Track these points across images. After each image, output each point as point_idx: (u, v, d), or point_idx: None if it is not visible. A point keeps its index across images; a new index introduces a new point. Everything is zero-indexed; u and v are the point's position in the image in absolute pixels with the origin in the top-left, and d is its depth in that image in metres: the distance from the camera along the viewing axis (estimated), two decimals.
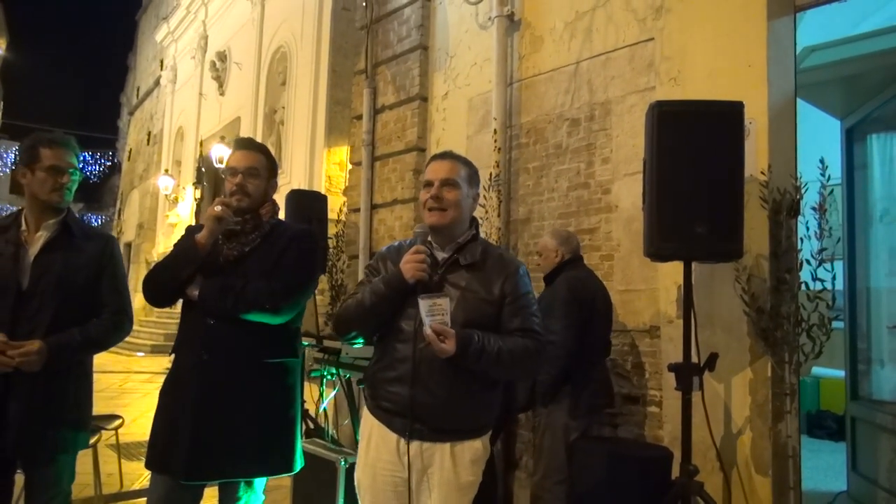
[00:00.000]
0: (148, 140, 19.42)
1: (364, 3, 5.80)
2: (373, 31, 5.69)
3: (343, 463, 2.98)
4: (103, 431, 3.82)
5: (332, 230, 5.62)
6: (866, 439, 4.00)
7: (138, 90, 21.94)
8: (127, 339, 2.48)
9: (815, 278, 2.89)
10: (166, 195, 16.31)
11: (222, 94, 14.02)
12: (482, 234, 2.15)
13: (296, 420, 2.31)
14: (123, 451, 4.54)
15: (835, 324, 2.96)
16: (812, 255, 2.90)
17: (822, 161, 2.91)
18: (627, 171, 3.73)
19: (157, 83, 18.92)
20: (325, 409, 4.37)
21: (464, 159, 2.07)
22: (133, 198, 20.39)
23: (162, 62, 18.27)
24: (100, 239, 2.42)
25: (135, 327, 2.56)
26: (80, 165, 2.37)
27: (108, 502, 3.87)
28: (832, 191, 3.09)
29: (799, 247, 3.02)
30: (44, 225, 2.29)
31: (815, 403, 6.29)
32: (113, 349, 2.54)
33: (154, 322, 13.36)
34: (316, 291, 3.30)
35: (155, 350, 11.95)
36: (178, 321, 2.34)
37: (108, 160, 28.91)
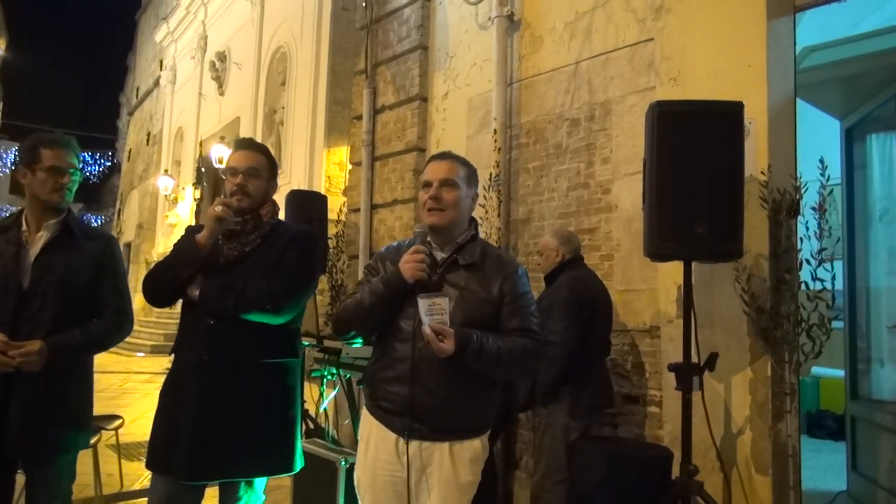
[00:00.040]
0: (147, 140, 19.42)
1: (364, 4, 5.80)
2: (373, 32, 5.69)
3: (343, 463, 2.98)
4: (103, 432, 3.82)
5: (332, 230, 5.62)
6: (866, 439, 4.00)
7: (138, 90, 21.94)
8: (127, 339, 2.49)
9: (814, 278, 2.89)
10: (166, 195, 16.31)
11: (222, 94, 14.01)
12: (482, 235, 2.16)
13: (296, 420, 2.31)
14: (123, 451, 4.54)
15: (834, 323, 2.96)
16: (812, 255, 2.90)
17: (821, 161, 2.91)
18: (627, 171, 3.74)
19: (156, 83, 18.91)
20: (325, 409, 4.37)
21: (462, 159, 2.08)
22: (133, 198, 20.39)
23: (161, 62, 18.26)
24: (100, 239, 2.43)
25: (135, 327, 2.56)
26: (80, 166, 2.37)
27: (108, 502, 3.87)
28: (832, 191, 3.10)
29: (799, 246, 3.02)
30: (44, 225, 2.29)
31: (815, 403, 6.30)
32: (113, 349, 2.54)
33: (154, 322, 13.36)
34: (316, 292, 3.30)
35: (155, 350, 11.94)
36: (177, 321, 2.34)
37: (108, 160, 28.91)
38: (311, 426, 4.30)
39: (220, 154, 11.48)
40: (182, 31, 16.64)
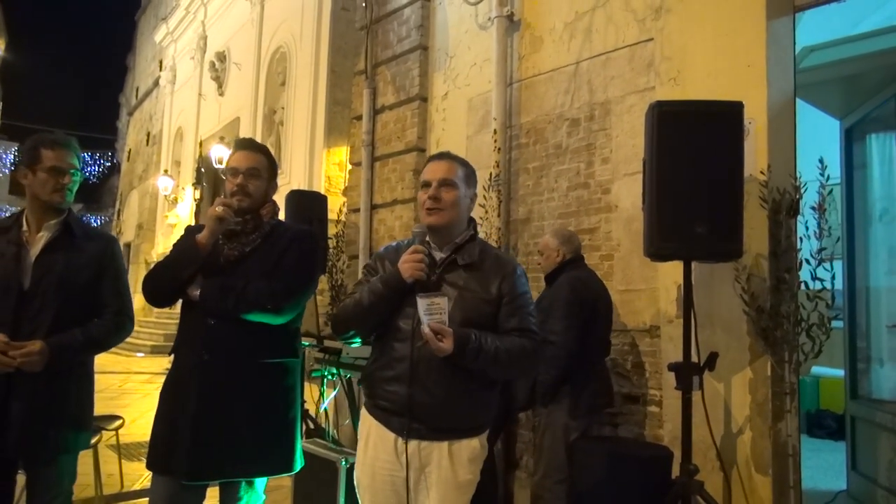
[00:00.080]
0: (147, 140, 19.41)
1: (364, 4, 5.80)
2: (372, 32, 5.70)
3: (344, 463, 2.99)
4: (104, 432, 3.83)
5: (332, 230, 5.63)
6: (866, 438, 4.01)
7: (137, 91, 21.94)
8: (127, 339, 2.49)
9: (814, 278, 2.90)
10: (165, 196, 16.31)
11: (221, 94, 14.01)
12: (482, 235, 2.16)
13: (296, 420, 2.31)
14: (124, 451, 4.54)
15: (834, 323, 2.96)
16: (811, 255, 2.90)
17: (821, 161, 2.91)
18: (627, 171, 3.74)
19: (156, 84, 18.91)
20: (325, 409, 4.38)
21: (461, 160, 2.08)
22: (132, 198, 20.39)
23: (161, 63, 18.26)
24: (101, 239, 2.43)
25: (135, 328, 2.56)
26: (81, 166, 2.38)
27: (108, 502, 3.87)
28: (831, 190, 3.10)
29: (798, 246, 3.02)
30: (45, 225, 2.29)
31: (815, 403, 6.30)
32: (113, 350, 2.54)
33: (154, 322, 13.36)
34: (316, 292, 3.30)
35: (154, 350, 11.95)
36: (177, 322, 2.34)
37: (108, 161, 28.88)
38: (312, 426, 4.30)
39: (220, 154, 11.49)
40: (182, 31, 16.64)
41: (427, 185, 2.00)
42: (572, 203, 4.05)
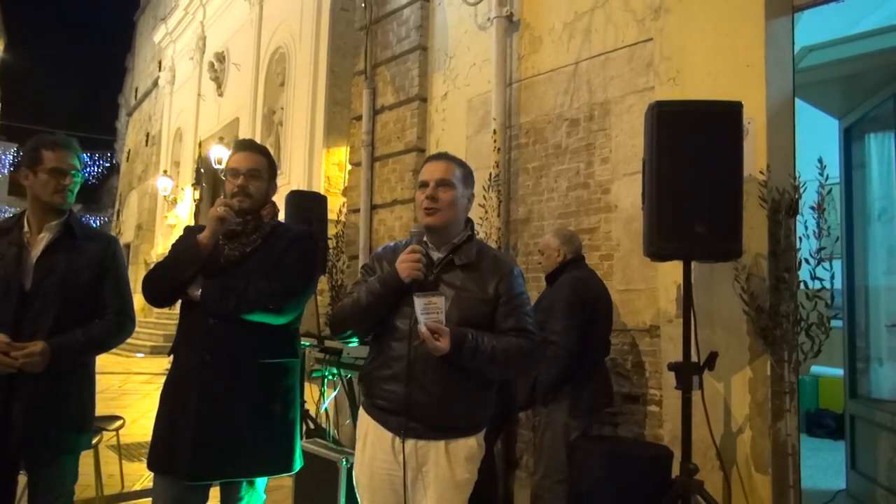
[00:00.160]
0: (146, 141, 19.41)
1: (363, 4, 5.80)
2: (372, 32, 5.70)
3: (345, 463, 2.99)
4: (104, 432, 3.83)
5: (331, 231, 5.63)
6: (865, 438, 4.01)
7: (136, 91, 21.92)
8: (127, 340, 2.49)
9: (813, 277, 2.90)
10: (165, 196, 16.30)
11: (221, 94, 14.01)
12: (482, 235, 2.17)
13: (296, 420, 2.32)
14: (124, 451, 4.55)
15: (833, 322, 2.97)
16: (811, 254, 2.91)
17: (820, 160, 2.92)
18: (627, 171, 3.74)
19: (155, 84, 18.91)
20: (326, 410, 4.38)
21: (459, 160, 2.10)
22: (132, 199, 20.38)
23: (160, 63, 18.26)
24: (102, 240, 2.43)
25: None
26: (82, 167, 2.38)
27: (109, 503, 3.88)
28: (830, 190, 3.10)
29: (798, 246, 3.03)
30: (46, 226, 2.29)
31: (815, 402, 6.31)
32: (113, 350, 2.55)
33: (153, 323, 13.35)
34: (316, 292, 3.31)
35: (154, 351, 11.94)
36: (177, 322, 2.34)
37: (107, 161, 28.87)
38: (312, 426, 4.31)
39: (220, 155, 11.49)
40: (180, 31, 16.63)
41: (424, 185, 2.01)
42: (572, 203, 4.06)
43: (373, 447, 1.98)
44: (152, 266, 2.38)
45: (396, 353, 1.94)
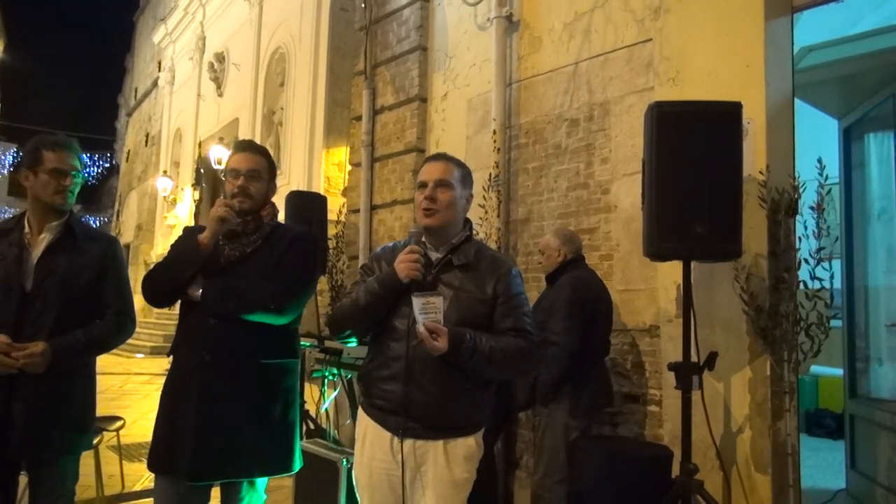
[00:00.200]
0: (146, 141, 19.41)
1: (363, 4, 5.80)
2: (372, 32, 5.70)
3: (345, 463, 2.99)
4: (105, 433, 3.83)
5: (331, 231, 5.63)
6: (865, 437, 4.02)
7: (136, 91, 21.92)
8: (127, 340, 2.50)
9: (813, 277, 2.90)
10: (165, 196, 16.29)
11: (220, 95, 14.01)
12: (482, 235, 2.17)
13: (296, 421, 2.32)
14: (124, 452, 4.55)
15: (833, 322, 2.97)
16: (810, 254, 2.91)
17: (819, 160, 2.92)
18: (626, 171, 3.75)
19: (154, 84, 18.91)
20: (326, 410, 4.38)
21: (457, 161, 2.10)
22: (131, 199, 20.38)
23: (160, 63, 18.26)
24: (102, 240, 2.43)
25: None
26: (82, 168, 2.38)
27: (109, 503, 3.88)
28: (830, 190, 3.11)
29: (797, 246, 3.03)
30: (47, 227, 2.29)
31: (814, 402, 6.32)
32: (113, 351, 2.55)
33: (153, 323, 13.35)
34: (316, 292, 3.31)
35: (154, 351, 11.95)
36: (177, 323, 2.34)
37: (107, 162, 28.86)
38: (312, 426, 4.31)
39: (219, 155, 11.49)
40: (180, 32, 16.63)
41: (423, 185, 2.02)
42: (572, 203, 4.06)
43: (371, 447, 1.99)
44: (152, 266, 2.38)
45: (395, 353, 1.94)
